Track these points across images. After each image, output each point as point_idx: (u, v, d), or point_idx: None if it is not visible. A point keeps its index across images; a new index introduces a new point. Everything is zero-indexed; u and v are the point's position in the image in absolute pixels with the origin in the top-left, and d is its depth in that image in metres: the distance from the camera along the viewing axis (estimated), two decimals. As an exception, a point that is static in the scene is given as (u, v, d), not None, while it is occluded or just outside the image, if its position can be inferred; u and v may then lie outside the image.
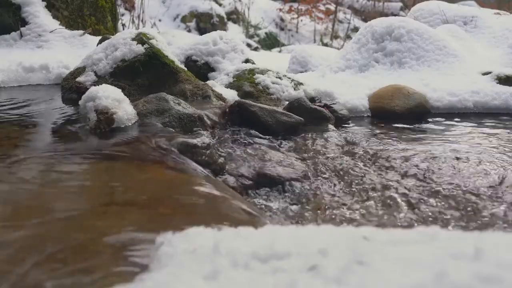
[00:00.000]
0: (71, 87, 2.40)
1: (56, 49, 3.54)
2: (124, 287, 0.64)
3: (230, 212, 1.20)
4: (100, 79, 2.33)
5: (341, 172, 1.78)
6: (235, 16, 11.82)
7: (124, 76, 2.34)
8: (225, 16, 11.30)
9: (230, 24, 11.41)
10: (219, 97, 2.43)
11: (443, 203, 1.53)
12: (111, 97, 1.77)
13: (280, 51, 9.25)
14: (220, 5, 11.70)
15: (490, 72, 3.45)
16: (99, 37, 3.20)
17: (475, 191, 1.63)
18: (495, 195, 1.60)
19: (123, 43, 2.42)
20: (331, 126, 2.35)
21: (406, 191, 1.63)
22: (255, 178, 1.64)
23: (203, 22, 10.65)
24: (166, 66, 2.38)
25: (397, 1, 14.07)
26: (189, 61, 3.23)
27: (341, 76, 3.54)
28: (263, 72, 2.95)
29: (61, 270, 0.76)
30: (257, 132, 2.07)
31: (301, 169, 1.76)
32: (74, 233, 0.92)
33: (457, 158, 1.98)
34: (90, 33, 3.82)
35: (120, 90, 1.89)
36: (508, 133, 2.55)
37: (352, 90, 3.12)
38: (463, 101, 3.13)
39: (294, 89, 2.86)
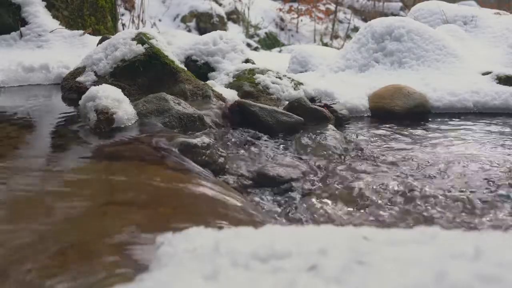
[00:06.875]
0: (71, 87, 2.40)
1: (56, 49, 3.53)
2: (124, 287, 0.64)
3: (230, 212, 1.20)
4: (100, 79, 2.33)
5: (341, 172, 1.78)
6: (235, 16, 11.81)
7: (124, 76, 2.34)
8: (225, 16, 11.29)
9: (230, 24, 11.40)
10: (219, 97, 2.43)
11: (443, 204, 1.53)
12: (111, 97, 1.77)
13: (280, 51, 9.25)
14: (220, 5, 11.69)
15: (490, 72, 3.45)
16: (99, 37, 3.20)
17: (476, 190, 1.63)
18: (494, 193, 1.60)
19: (123, 43, 2.41)
20: (331, 126, 2.35)
21: (406, 191, 1.63)
22: (255, 178, 1.64)
23: (203, 22, 10.65)
24: (166, 66, 2.38)
25: (397, 1, 14.06)
26: (189, 61, 3.23)
27: (341, 76, 3.54)
28: (263, 72, 2.95)
29: (61, 270, 0.76)
30: (257, 132, 2.07)
31: (301, 169, 1.76)
32: (74, 233, 0.92)
33: (457, 158, 1.98)
34: (90, 33, 3.82)
35: (120, 90, 1.89)
36: (508, 132, 2.54)
37: (352, 90, 3.12)
38: (463, 101, 3.13)
39: (294, 89, 2.86)
